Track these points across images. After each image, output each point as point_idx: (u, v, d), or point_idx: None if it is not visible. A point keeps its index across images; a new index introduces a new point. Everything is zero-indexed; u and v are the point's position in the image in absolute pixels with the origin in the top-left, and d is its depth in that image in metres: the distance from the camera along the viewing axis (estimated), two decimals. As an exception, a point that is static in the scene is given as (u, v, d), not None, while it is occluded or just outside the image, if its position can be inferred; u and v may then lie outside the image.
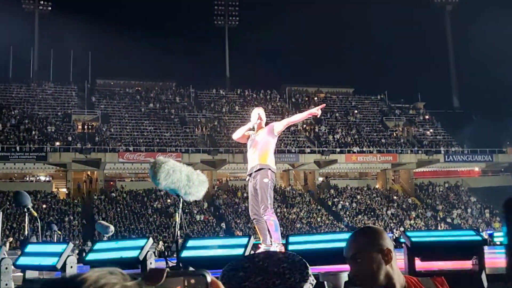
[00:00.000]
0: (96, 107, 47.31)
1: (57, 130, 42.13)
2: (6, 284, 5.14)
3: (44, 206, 36.55)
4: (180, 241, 5.83)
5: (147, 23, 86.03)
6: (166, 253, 23.89)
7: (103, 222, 9.71)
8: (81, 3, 73.63)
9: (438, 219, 42.11)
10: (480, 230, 31.38)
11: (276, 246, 6.06)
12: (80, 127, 45.49)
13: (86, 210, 37.87)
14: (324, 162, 44.79)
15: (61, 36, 56.72)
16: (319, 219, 39.85)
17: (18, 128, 41.02)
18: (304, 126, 48.90)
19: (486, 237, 15.37)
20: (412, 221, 40.97)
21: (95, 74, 54.28)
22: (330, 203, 43.20)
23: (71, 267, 5.14)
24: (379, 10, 66.41)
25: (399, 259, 2.20)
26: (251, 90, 53.74)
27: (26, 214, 7.79)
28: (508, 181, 45.74)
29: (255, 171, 6.30)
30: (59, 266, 5.09)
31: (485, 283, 4.41)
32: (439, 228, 38.59)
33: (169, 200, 38.45)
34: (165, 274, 1.02)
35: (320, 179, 47.75)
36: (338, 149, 44.99)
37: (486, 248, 4.98)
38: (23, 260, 5.72)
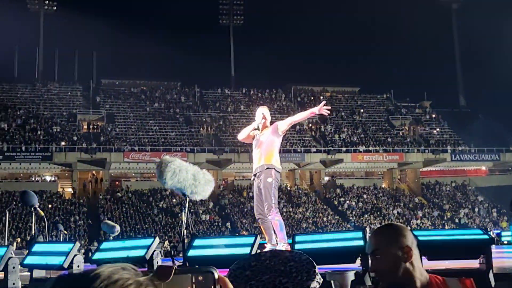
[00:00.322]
0: (101, 107, 47.41)
1: (63, 130, 42.28)
2: (14, 283, 5.15)
3: (49, 206, 36.66)
4: (186, 240, 5.83)
5: (152, 22, 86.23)
6: (172, 253, 23.96)
7: (109, 221, 9.67)
8: (86, 3, 73.79)
9: (445, 218, 41.93)
10: (488, 229, 31.20)
11: (282, 245, 6.06)
12: (85, 127, 45.63)
13: (92, 210, 37.95)
14: (330, 162, 44.71)
15: (66, 36, 57.09)
16: (325, 219, 39.78)
17: (23, 128, 41.20)
18: (310, 125, 48.81)
19: (493, 236, 15.30)
20: (418, 221, 40.82)
21: (100, 74, 54.61)
22: (336, 202, 43.12)
23: (78, 266, 5.16)
24: (385, 9, 66.22)
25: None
26: (256, 90, 53.64)
27: (33, 213, 7.80)
28: (515, 180, 45.55)
29: (260, 171, 6.32)
30: (66, 265, 5.12)
31: (493, 282, 4.39)
32: (446, 227, 38.45)
33: (174, 200, 38.50)
34: (173, 271, 1.03)
35: (326, 178, 47.66)
36: (344, 149, 44.88)
37: (493, 247, 4.95)
38: (30, 259, 5.75)
